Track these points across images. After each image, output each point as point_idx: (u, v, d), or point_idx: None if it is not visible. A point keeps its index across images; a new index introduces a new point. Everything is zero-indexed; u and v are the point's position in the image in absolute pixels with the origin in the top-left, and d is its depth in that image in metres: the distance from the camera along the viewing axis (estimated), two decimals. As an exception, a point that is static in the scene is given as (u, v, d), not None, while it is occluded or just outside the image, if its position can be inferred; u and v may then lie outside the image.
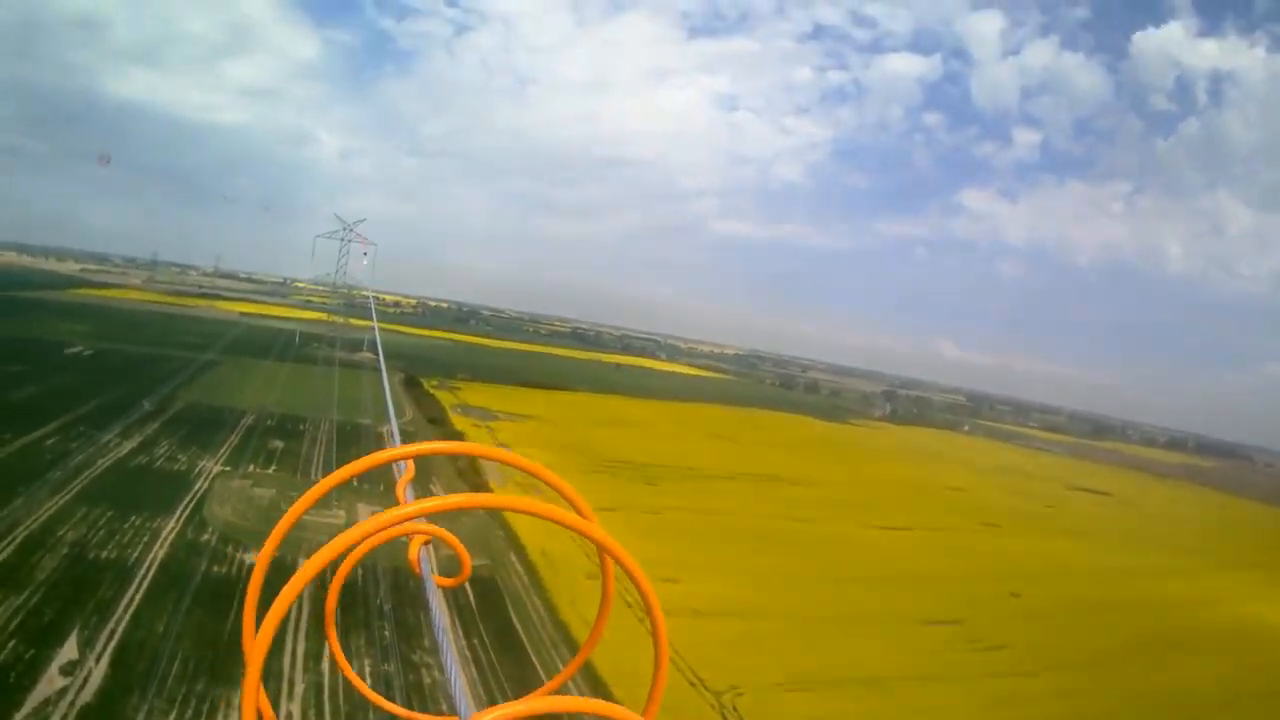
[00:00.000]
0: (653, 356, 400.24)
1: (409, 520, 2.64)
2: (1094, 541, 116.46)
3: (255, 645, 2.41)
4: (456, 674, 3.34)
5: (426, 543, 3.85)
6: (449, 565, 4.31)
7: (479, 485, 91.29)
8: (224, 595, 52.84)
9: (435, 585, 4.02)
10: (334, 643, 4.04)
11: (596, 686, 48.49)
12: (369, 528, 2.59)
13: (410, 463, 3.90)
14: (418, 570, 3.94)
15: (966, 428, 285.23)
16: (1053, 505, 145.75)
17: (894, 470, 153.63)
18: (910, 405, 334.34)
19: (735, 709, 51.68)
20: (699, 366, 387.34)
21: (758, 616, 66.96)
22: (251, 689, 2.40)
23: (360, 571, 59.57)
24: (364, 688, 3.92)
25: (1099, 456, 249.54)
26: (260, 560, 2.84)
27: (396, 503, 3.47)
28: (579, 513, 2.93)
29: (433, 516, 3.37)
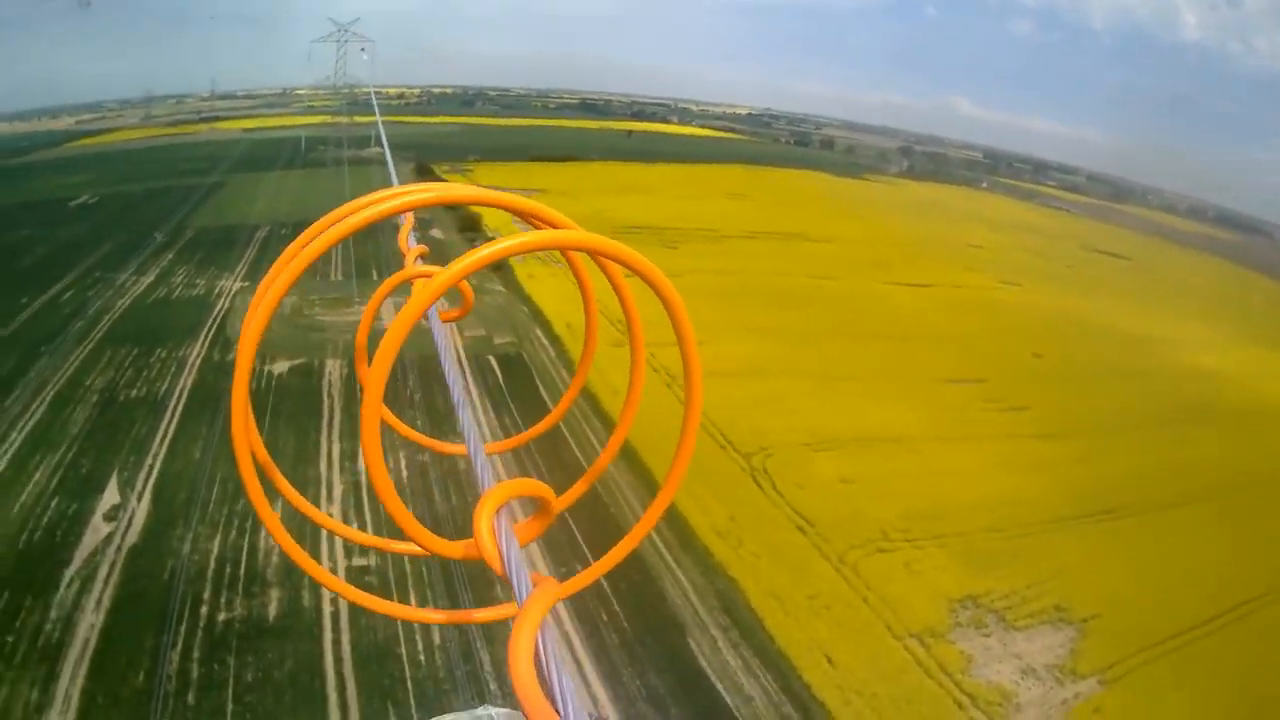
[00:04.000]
0: (665, 121, 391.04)
1: (401, 202, 2.31)
2: (1115, 305, 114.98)
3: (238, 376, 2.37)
4: (464, 403, 3.11)
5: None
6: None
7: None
8: (255, 407, 52.69)
9: (440, 320, 4.02)
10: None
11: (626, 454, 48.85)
12: (356, 210, 2.38)
13: (409, 214, 3.72)
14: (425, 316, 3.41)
15: (985, 184, 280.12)
16: (1072, 266, 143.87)
17: (913, 226, 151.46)
18: (927, 162, 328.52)
19: (765, 470, 52.00)
20: (712, 128, 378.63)
21: (782, 376, 66.82)
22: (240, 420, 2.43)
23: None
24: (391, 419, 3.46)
25: (1118, 219, 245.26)
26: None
27: (401, 256, 4.07)
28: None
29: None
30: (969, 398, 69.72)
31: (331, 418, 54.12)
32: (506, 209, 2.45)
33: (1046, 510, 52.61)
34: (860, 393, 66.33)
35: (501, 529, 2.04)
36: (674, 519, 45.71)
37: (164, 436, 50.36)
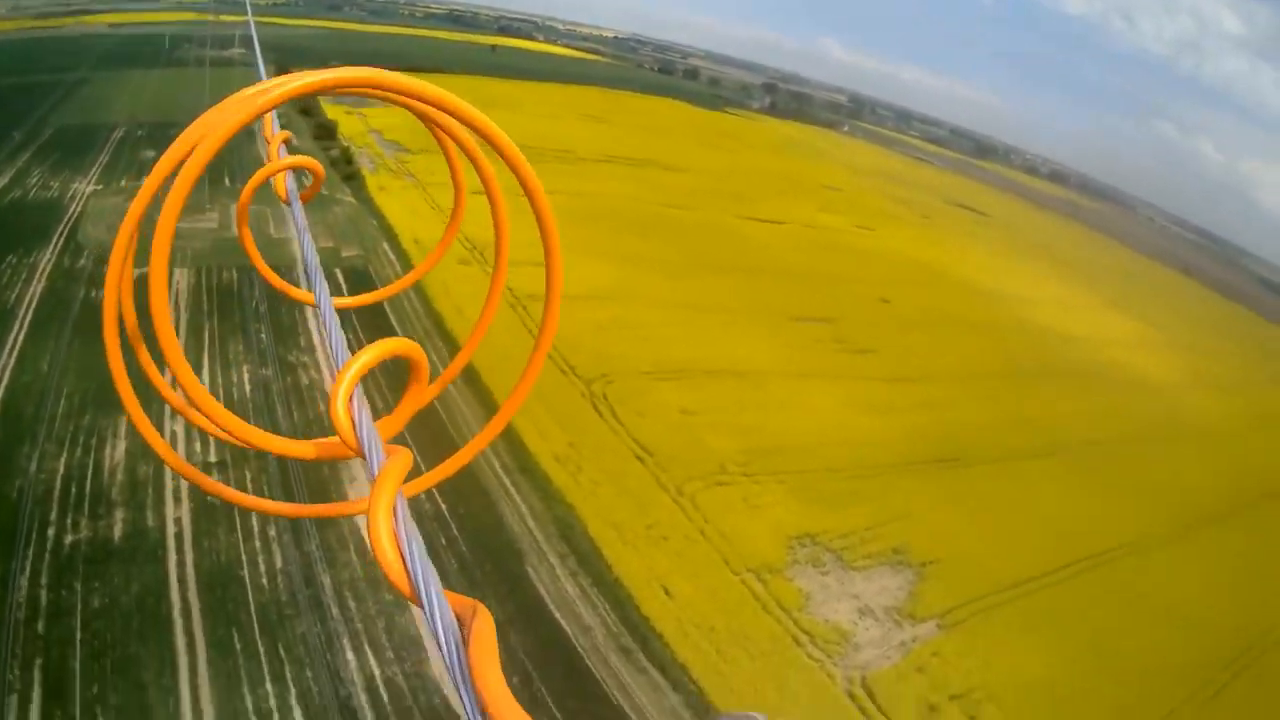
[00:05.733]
0: (530, 38, 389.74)
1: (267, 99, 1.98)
2: (968, 259, 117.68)
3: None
4: (312, 253, 3.24)
5: (294, 169, 3.83)
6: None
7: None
8: (97, 321, 49.90)
9: (300, 202, 3.98)
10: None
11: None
12: (224, 118, 2.02)
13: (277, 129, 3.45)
14: (286, 200, 4.04)
15: (846, 128, 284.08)
16: (929, 216, 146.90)
17: (770, 163, 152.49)
18: (790, 100, 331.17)
19: (605, 397, 50.76)
20: (577, 49, 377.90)
21: (628, 302, 65.62)
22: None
23: (235, 274, 58.49)
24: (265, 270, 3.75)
25: (979, 175, 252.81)
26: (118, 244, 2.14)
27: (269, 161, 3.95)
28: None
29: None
30: (816, 337, 69.55)
31: (178, 329, 50.89)
32: (394, 92, 2.07)
33: (889, 454, 52.61)
34: (706, 324, 65.41)
35: (356, 402, 1.85)
36: (512, 442, 44.48)
37: (12, 348, 47.17)
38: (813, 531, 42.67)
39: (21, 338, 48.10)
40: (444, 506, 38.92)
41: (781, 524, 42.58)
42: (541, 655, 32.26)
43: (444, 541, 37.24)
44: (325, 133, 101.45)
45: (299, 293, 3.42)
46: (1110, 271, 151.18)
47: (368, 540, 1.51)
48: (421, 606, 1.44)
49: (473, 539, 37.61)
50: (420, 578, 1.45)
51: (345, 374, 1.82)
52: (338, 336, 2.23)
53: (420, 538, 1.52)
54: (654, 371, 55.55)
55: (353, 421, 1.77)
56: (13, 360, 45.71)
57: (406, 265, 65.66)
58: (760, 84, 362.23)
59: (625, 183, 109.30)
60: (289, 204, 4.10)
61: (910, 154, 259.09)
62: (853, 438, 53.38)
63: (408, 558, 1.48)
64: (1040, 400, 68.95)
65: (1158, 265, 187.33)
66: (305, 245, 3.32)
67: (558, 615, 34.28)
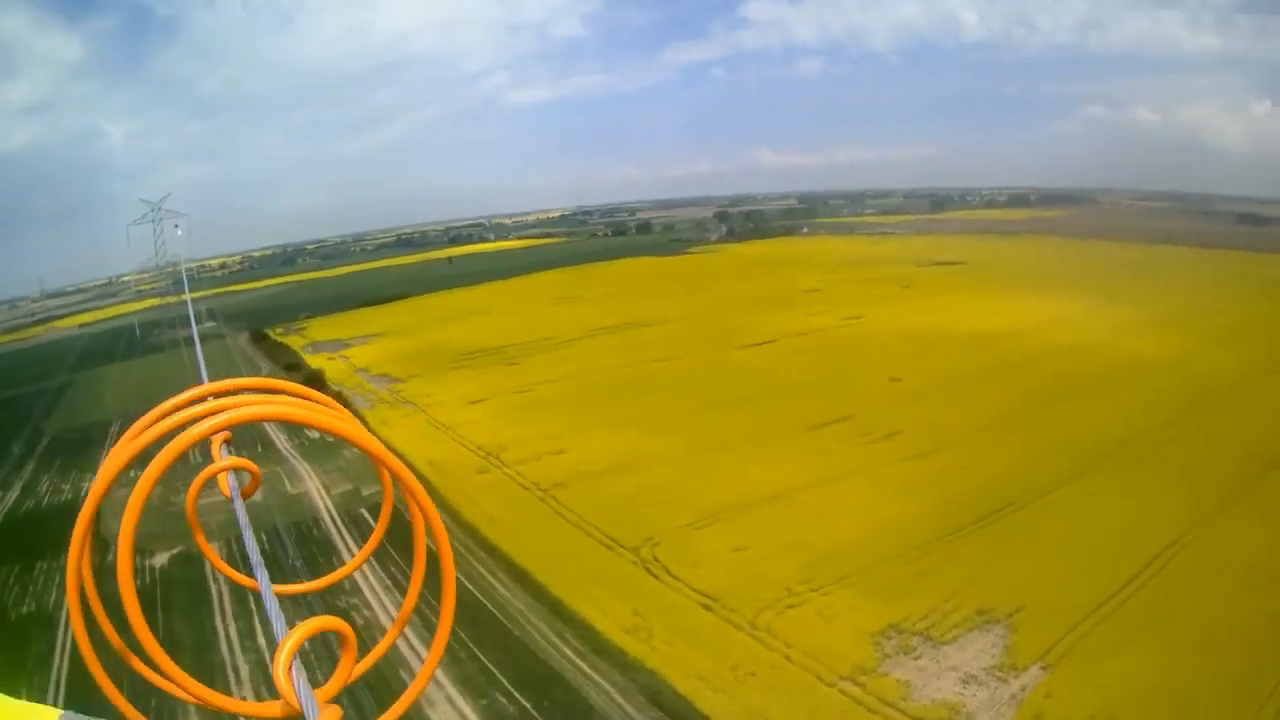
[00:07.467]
0: (481, 240, 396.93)
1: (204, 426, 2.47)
2: (959, 312, 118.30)
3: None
4: (254, 548, 3.77)
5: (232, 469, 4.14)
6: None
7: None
8: (142, 602, 50.75)
9: (242, 502, 4.40)
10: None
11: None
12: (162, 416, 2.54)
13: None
14: (229, 497, 4.38)
15: (805, 230, 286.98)
16: (909, 285, 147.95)
17: (745, 288, 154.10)
18: (745, 222, 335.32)
19: (657, 559, 50.99)
20: (530, 238, 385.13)
21: (651, 464, 66.31)
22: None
23: (264, 537, 60.22)
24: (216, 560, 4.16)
25: (944, 228, 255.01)
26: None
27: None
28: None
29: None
30: (839, 437, 70.09)
31: (222, 600, 51.86)
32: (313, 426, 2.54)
33: (941, 525, 52.82)
34: (731, 461, 65.94)
35: (295, 670, 2.09)
36: (578, 626, 45.00)
37: (63, 648, 48.20)
38: (894, 622, 42.70)
39: (70, 638, 48.38)
40: (528, 704, 39.16)
41: (861, 625, 42.59)
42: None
43: (535, 733, 36.94)
44: (312, 382, 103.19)
45: (243, 579, 3.94)
46: (1097, 271, 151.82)
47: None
48: None
49: (564, 727, 37.35)
50: None
51: (283, 647, 2.11)
52: (277, 617, 2.56)
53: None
54: (695, 521, 55.91)
55: (293, 685, 2.03)
56: (66, 663, 46.52)
57: (430, 488, 65.49)
58: (712, 215, 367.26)
59: (612, 351, 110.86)
60: (230, 499, 4.50)
61: (873, 233, 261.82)
62: (902, 522, 53.52)
63: None
64: (1066, 419, 69.37)
65: (1139, 246, 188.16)
66: (247, 540, 3.83)
67: (667, 778, 34.16)
